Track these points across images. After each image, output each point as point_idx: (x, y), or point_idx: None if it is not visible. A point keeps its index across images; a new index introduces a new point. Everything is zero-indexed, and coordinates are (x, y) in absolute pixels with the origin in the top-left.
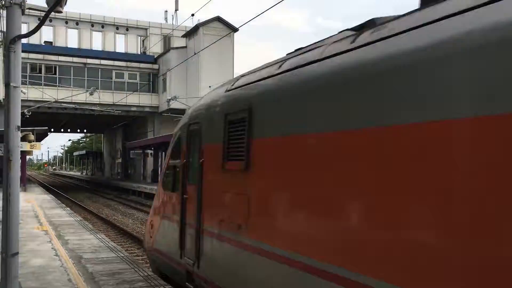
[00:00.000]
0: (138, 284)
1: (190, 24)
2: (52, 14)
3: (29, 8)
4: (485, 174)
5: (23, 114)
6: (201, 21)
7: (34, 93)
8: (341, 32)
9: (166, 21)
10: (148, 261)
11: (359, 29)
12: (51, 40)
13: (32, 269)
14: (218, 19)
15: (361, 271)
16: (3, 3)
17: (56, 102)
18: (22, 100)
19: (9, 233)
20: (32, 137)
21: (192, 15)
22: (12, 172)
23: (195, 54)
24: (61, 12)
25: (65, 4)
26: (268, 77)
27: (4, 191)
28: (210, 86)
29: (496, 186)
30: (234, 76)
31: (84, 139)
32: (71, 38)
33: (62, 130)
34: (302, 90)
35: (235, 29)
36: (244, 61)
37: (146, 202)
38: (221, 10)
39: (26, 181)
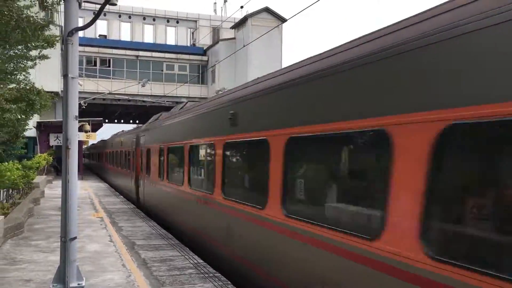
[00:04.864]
0: (188, 271)
1: (239, 15)
2: (106, 8)
3: (86, 1)
4: None
5: (79, 105)
6: (249, 12)
7: (89, 85)
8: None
9: (215, 13)
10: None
11: None
12: (105, 34)
13: (88, 253)
14: (267, 10)
15: None
16: None
17: (110, 93)
18: (78, 91)
19: (68, 219)
20: (88, 127)
21: (241, 7)
22: (70, 160)
23: (244, 46)
24: (115, 4)
25: None
26: None
27: (63, 179)
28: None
29: None
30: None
31: None
32: (124, 31)
33: (115, 121)
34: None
35: (284, 20)
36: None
37: None
38: (272, 1)
39: (82, 170)
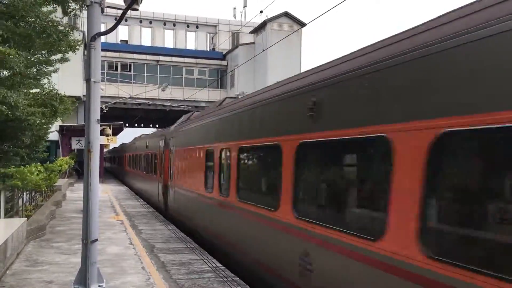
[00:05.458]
0: (207, 275)
1: (259, 20)
2: (128, 13)
3: (108, 7)
4: None
5: (101, 109)
6: (269, 17)
7: (111, 90)
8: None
9: (235, 18)
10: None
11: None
12: (127, 39)
13: (109, 256)
14: (286, 14)
15: None
16: (85, 2)
17: (130, 98)
18: (100, 96)
19: (89, 221)
20: (109, 131)
21: (261, 12)
22: (92, 163)
23: (263, 51)
24: (137, 9)
25: (141, 1)
26: None
27: (85, 181)
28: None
29: None
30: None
31: None
32: (144, 37)
33: (136, 125)
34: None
35: (303, 24)
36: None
37: None
38: (290, 6)
39: (103, 173)
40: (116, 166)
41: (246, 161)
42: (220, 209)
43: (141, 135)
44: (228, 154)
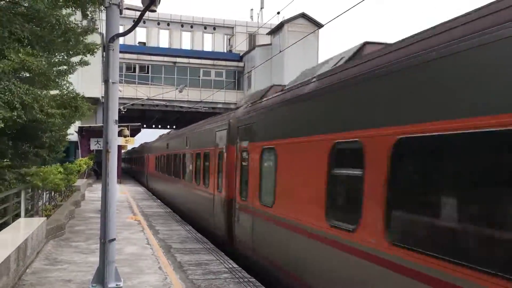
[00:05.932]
0: (223, 276)
1: (276, 21)
2: (146, 15)
3: (126, 8)
4: None
5: (119, 110)
6: (285, 18)
7: (128, 91)
8: None
9: (252, 19)
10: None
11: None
12: (145, 41)
13: (126, 256)
14: (303, 15)
15: None
16: (103, 4)
17: (148, 99)
18: (118, 97)
19: (107, 221)
20: (127, 132)
21: (278, 13)
22: (110, 163)
23: (280, 52)
24: (155, 11)
25: (159, 3)
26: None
27: (103, 181)
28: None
29: None
30: None
31: None
32: (162, 38)
33: (153, 126)
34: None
35: (320, 26)
36: None
37: None
38: (308, 7)
39: (121, 174)
40: (129, 166)
41: (164, 161)
42: (157, 178)
43: (142, 143)
44: (163, 158)
